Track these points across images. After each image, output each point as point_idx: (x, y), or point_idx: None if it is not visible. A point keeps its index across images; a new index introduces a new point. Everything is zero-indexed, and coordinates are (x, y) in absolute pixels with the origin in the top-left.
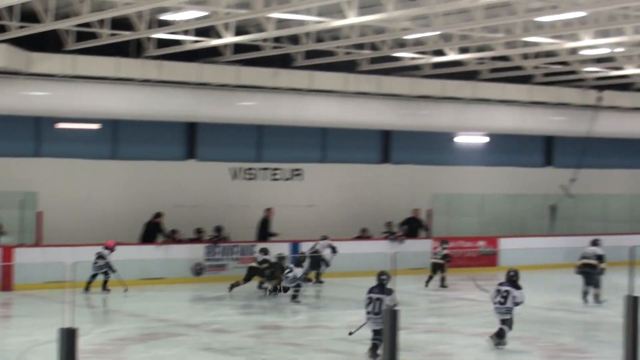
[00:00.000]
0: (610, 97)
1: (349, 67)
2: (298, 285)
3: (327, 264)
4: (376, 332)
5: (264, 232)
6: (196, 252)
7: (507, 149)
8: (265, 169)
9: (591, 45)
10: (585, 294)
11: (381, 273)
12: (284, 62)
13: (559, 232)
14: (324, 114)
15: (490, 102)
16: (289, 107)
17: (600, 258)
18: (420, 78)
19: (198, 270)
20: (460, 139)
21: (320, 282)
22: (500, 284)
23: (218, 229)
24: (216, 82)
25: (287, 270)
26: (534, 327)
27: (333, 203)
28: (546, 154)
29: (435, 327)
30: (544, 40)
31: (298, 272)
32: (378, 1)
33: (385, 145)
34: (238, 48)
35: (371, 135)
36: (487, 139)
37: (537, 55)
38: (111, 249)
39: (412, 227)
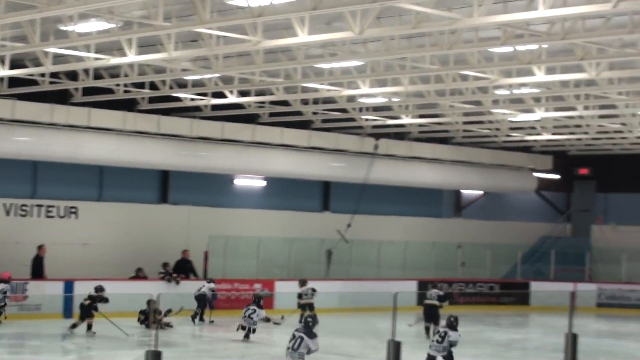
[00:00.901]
0: (387, 146)
1: (128, 105)
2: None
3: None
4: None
5: (37, 269)
6: None
7: (285, 192)
8: (40, 205)
9: (369, 93)
10: (427, 329)
11: (308, 315)
12: (61, 97)
13: (335, 276)
14: (101, 152)
15: (269, 145)
16: (65, 143)
17: (441, 298)
18: (199, 119)
19: None
20: (239, 182)
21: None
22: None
23: None
24: None
25: (249, 312)
26: None
27: (109, 242)
28: (324, 198)
29: None
30: (322, 87)
31: (261, 313)
32: (159, 40)
33: (163, 186)
34: (13, 82)
35: (149, 174)
36: (265, 183)
37: (316, 101)
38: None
39: (183, 269)
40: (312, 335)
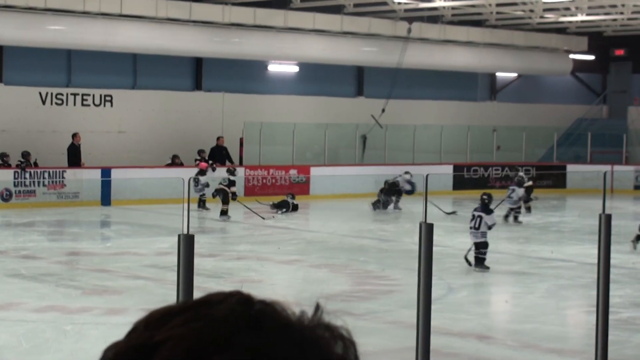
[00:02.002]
0: (420, 29)
1: None
2: (519, 207)
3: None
4: (477, 245)
5: (74, 157)
6: (3, 177)
7: (318, 78)
8: (75, 94)
9: None
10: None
11: (483, 194)
12: None
13: (369, 162)
14: (133, 40)
15: (301, 31)
16: (98, 31)
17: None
18: (231, 5)
19: (6, 196)
20: (272, 68)
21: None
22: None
23: (25, 155)
24: (23, 5)
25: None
26: (343, 254)
27: (144, 129)
28: (357, 84)
29: (245, 254)
30: None
31: (520, 192)
32: None
33: (197, 73)
34: None
35: (183, 62)
36: (297, 69)
37: None
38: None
39: (219, 156)
40: (489, 212)
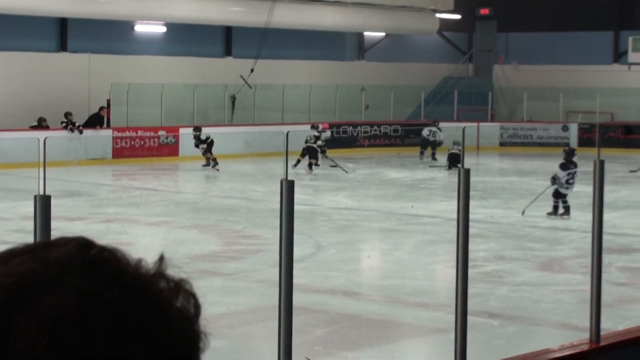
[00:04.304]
0: None
1: None
2: None
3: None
4: None
5: None
6: None
7: (186, 38)
8: None
9: None
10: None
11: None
12: None
13: (239, 122)
14: None
15: None
16: None
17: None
18: None
19: None
20: (139, 28)
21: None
22: None
23: None
24: None
25: None
26: (212, 215)
27: (8, 92)
28: (225, 44)
29: (114, 216)
30: None
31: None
32: None
33: (62, 34)
34: None
35: (47, 22)
36: (165, 29)
37: None
38: None
39: (94, 123)
40: None
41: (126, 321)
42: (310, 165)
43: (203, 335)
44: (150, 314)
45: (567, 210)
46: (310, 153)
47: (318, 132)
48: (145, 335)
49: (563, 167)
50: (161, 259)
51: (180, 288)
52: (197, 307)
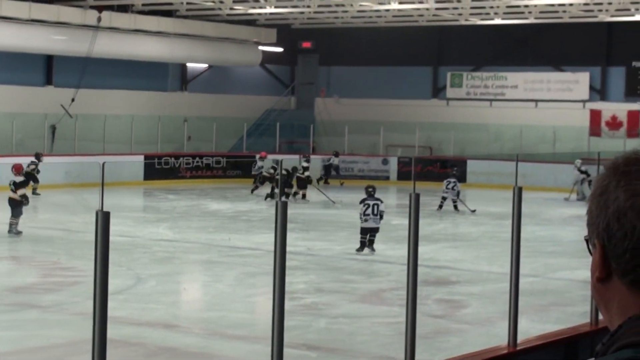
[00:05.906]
0: (110, 18)
1: None
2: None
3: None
4: (372, 230)
5: None
6: None
7: (6, 66)
8: None
9: None
10: None
11: (368, 186)
12: None
13: (60, 152)
14: None
15: None
16: None
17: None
18: None
19: None
20: None
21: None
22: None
23: None
24: None
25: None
26: (29, 246)
27: None
28: (46, 72)
29: None
30: None
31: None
32: None
33: None
34: None
35: None
36: None
37: None
38: None
39: None
40: (381, 200)
41: None
42: (303, 196)
43: None
44: None
45: (370, 244)
46: (299, 184)
47: (307, 163)
48: None
49: (361, 202)
50: None
51: None
52: None
